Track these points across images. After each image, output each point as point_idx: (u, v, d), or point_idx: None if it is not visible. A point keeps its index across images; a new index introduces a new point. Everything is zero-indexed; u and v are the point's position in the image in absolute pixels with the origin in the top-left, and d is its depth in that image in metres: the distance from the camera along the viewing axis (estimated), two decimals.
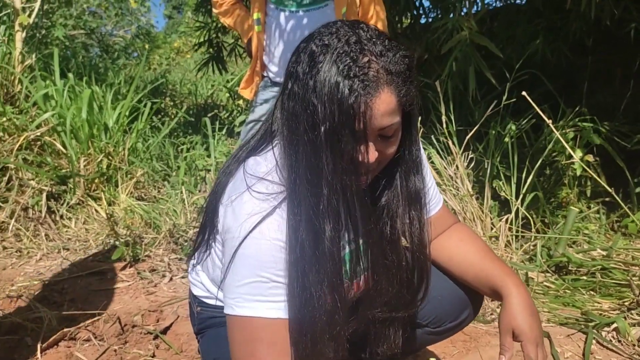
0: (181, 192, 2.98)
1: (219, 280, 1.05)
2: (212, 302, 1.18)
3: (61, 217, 2.96)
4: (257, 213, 0.93)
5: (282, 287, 0.93)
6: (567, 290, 2.15)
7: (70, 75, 3.83)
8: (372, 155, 0.90)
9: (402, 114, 0.92)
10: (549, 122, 1.91)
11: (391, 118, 0.88)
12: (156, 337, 1.89)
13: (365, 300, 1.11)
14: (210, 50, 4.95)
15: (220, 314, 1.01)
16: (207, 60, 4.91)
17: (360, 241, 1.04)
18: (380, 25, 2.33)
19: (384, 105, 0.86)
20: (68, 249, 2.70)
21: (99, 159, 3.19)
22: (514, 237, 2.41)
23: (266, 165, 0.99)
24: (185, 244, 2.69)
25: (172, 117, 4.95)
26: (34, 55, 3.93)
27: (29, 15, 4.01)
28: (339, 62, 0.84)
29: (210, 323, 1.20)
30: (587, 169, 2.31)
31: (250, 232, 0.92)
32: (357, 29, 0.89)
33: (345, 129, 0.85)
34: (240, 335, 0.94)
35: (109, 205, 3.06)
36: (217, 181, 1.08)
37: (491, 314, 1.98)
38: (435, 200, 1.22)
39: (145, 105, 3.89)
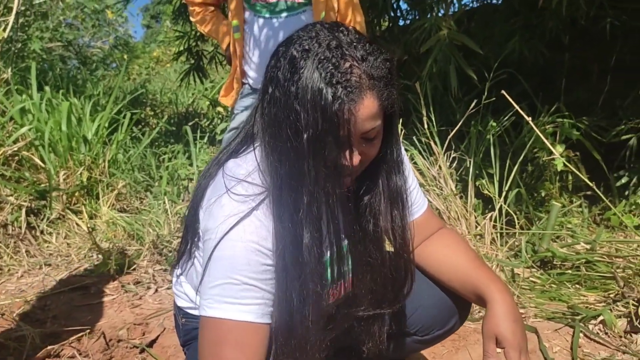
0: (164, 202, 2.95)
1: None
2: (196, 312, 1.16)
3: (42, 232, 2.91)
4: (234, 215, 0.92)
5: (256, 290, 0.92)
6: (552, 285, 2.16)
7: (47, 88, 3.78)
8: (356, 158, 0.91)
9: (384, 116, 0.92)
10: (529, 119, 1.92)
11: (374, 122, 0.89)
12: (142, 350, 1.86)
13: (349, 299, 1.11)
14: (191, 59, 4.92)
15: None
16: (188, 71, 4.88)
17: (344, 243, 1.03)
18: (358, 27, 2.33)
19: (366, 110, 0.86)
20: (50, 265, 2.65)
21: (79, 172, 3.15)
22: (498, 234, 2.42)
23: (246, 167, 0.98)
24: (170, 254, 2.66)
25: (153, 127, 4.91)
26: (9, 70, 3.87)
27: (4, 30, 3.95)
28: (320, 69, 0.83)
29: (195, 334, 1.18)
30: (568, 165, 2.33)
31: (226, 234, 0.91)
32: (337, 32, 0.88)
33: (328, 135, 0.85)
34: (209, 336, 0.94)
35: (91, 218, 3.02)
36: (197, 185, 1.07)
37: (479, 312, 1.98)
38: (419, 203, 1.22)
39: (124, 116, 3.85)
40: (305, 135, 0.84)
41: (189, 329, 1.22)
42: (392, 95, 0.90)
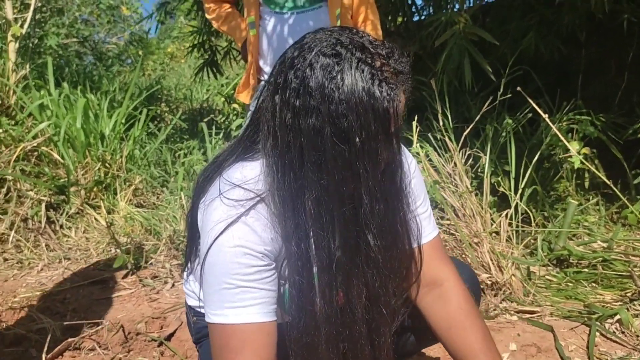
0: (180, 198, 2.98)
1: None
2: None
3: (61, 226, 2.96)
4: (223, 220, 0.92)
5: (253, 290, 0.93)
6: (569, 283, 2.15)
7: (65, 84, 3.83)
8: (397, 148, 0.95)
9: None
10: (545, 116, 1.91)
11: (403, 114, 0.91)
12: (160, 344, 1.89)
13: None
14: (204, 54, 4.94)
15: None
16: (202, 66, 4.90)
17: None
18: (371, 26, 2.33)
19: (402, 105, 0.89)
20: (69, 259, 2.69)
21: (97, 168, 3.19)
22: (514, 232, 2.41)
23: (245, 173, 0.98)
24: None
25: (169, 122, 4.95)
26: (27, 66, 3.92)
27: (21, 26, 4.00)
28: (360, 70, 0.84)
29: (206, 332, 1.19)
30: (585, 162, 2.31)
31: (215, 239, 0.91)
32: (352, 34, 0.89)
33: (380, 134, 0.86)
34: (216, 342, 0.96)
35: (109, 213, 3.06)
36: (195, 185, 1.07)
37: (494, 310, 1.98)
38: (429, 227, 1.17)
39: (141, 112, 3.88)
40: (357, 138, 0.84)
41: (200, 327, 1.24)
42: (411, 88, 0.92)
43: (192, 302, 1.24)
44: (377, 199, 0.91)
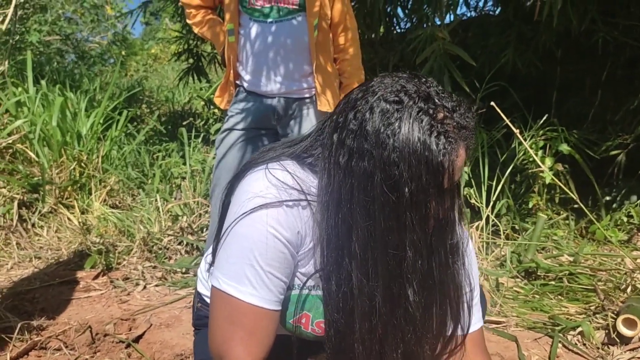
0: (156, 200, 2.97)
1: None
2: None
3: (33, 225, 2.92)
4: (263, 196, 0.91)
5: (272, 277, 0.92)
6: (535, 295, 2.20)
7: (43, 82, 3.80)
8: (449, 206, 0.91)
9: None
10: (517, 132, 1.96)
11: (461, 171, 0.90)
12: (128, 345, 1.88)
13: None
14: (190, 60, 4.93)
15: None
16: (187, 71, 4.89)
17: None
18: (351, 35, 2.35)
19: (460, 160, 0.87)
20: (40, 258, 2.66)
21: (72, 167, 3.16)
22: (484, 243, 2.45)
23: (295, 172, 0.97)
24: (160, 251, 2.68)
25: (149, 124, 4.92)
26: (6, 62, 3.88)
27: (2, 22, 3.96)
28: (419, 120, 0.83)
29: (206, 322, 1.20)
30: (555, 179, 2.37)
31: (251, 212, 0.91)
32: (421, 83, 0.88)
33: (431, 187, 0.84)
34: (222, 312, 0.94)
35: (82, 213, 3.03)
36: (238, 174, 1.04)
37: None
38: (474, 318, 1.10)
39: (120, 113, 3.86)
40: (406, 189, 0.83)
41: (202, 315, 1.23)
42: (474, 144, 0.91)
43: (201, 289, 1.23)
44: (421, 254, 0.89)
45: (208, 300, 1.20)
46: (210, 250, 1.18)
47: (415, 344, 0.97)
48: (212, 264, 1.14)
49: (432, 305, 0.97)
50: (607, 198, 3.22)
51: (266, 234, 0.91)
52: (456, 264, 0.99)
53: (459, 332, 1.02)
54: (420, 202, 0.85)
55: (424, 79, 0.90)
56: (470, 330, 1.07)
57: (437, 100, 0.85)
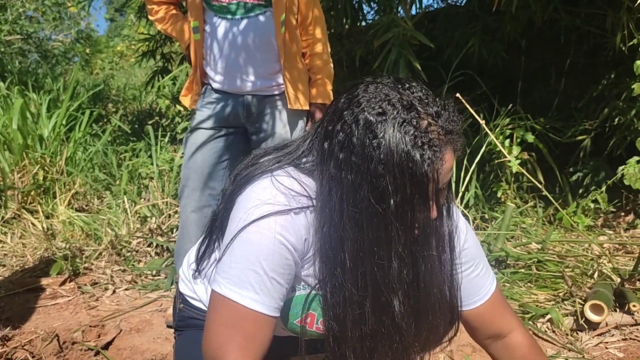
0: (123, 202, 2.92)
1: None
2: (196, 303, 1.17)
3: None
4: (271, 204, 0.92)
5: (275, 283, 0.93)
6: (506, 284, 2.22)
7: (1, 84, 3.68)
8: (435, 211, 0.91)
9: None
10: (482, 122, 1.97)
11: (450, 173, 0.91)
12: (97, 353, 1.84)
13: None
14: (157, 61, 4.82)
15: (201, 317, 1.00)
16: (153, 75, 4.78)
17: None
18: (319, 30, 2.33)
19: (447, 164, 0.87)
20: (4, 265, 2.59)
21: (35, 171, 3.08)
22: None
23: (300, 178, 0.97)
24: (129, 254, 2.63)
25: (114, 124, 4.83)
26: None
27: None
28: (402, 131, 0.83)
29: (189, 323, 1.19)
30: (521, 169, 2.40)
31: (258, 219, 0.91)
32: (404, 89, 0.88)
33: (416, 197, 0.85)
34: (222, 316, 0.94)
35: (47, 218, 2.96)
36: (234, 183, 1.04)
37: None
38: (479, 292, 1.12)
39: (83, 113, 3.78)
40: (392, 200, 0.84)
41: (185, 316, 1.21)
42: (463, 145, 0.91)
43: (184, 290, 1.21)
44: (405, 263, 0.90)
45: (191, 302, 1.19)
46: (194, 255, 1.17)
47: (403, 353, 0.99)
48: (197, 269, 1.15)
49: (421, 314, 0.99)
50: (574, 178, 3.28)
51: (273, 241, 0.91)
52: (444, 267, 1.00)
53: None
54: (405, 212, 0.86)
55: (407, 85, 0.89)
56: (483, 300, 1.10)
57: (420, 108, 0.86)
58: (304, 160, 1.01)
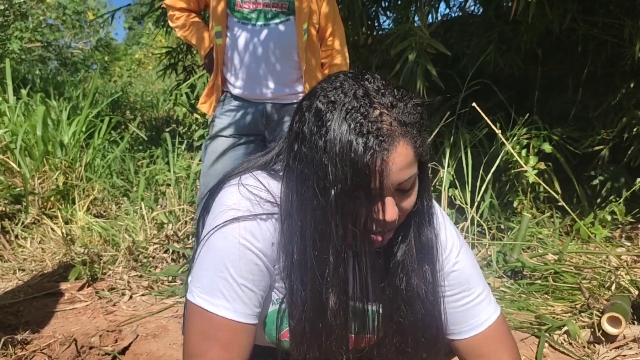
0: (140, 208, 2.95)
1: None
2: None
3: (16, 237, 2.89)
4: (236, 209, 0.91)
5: (246, 290, 0.92)
6: (522, 295, 2.21)
7: (23, 91, 3.75)
8: (393, 211, 0.85)
9: (418, 164, 0.87)
10: (499, 132, 1.97)
11: (409, 171, 0.83)
12: (114, 357, 1.86)
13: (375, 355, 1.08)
14: (179, 74, 4.86)
15: None
16: (176, 86, 4.83)
17: (372, 307, 1.00)
18: (338, 42, 2.35)
19: (400, 158, 0.81)
20: (23, 270, 2.63)
21: (55, 177, 3.13)
22: (470, 244, 2.46)
23: (268, 182, 0.97)
24: (145, 260, 2.65)
25: (132, 131, 4.89)
26: None
27: None
28: (349, 119, 0.78)
29: None
30: (537, 179, 2.38)
31: (224, 225, 0.90)
32: (362, 80, 0.84)
33: (359, 190, 0.80)
34: (197, 326, 0.93)
35: (66, 223, 3.00)
36: (212, 190, 1.05)
37: None
38: (478, 318, 1.05)
39: (102, 120, 3.83)
40: (332, 191, 0.80)
41: None
42: (425, 142, 0.86)
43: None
44: (342, 260, 0.86)
45: None
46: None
47: (338, 347, 0.96)
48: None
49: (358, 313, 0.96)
50: (594, 183, 3.25)
51: (238, 246, 0.90)
52: (411, 273, 0.96)
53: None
54: (345, 205, 0.81)
55: (367, 75, 0.85)
56: (476, 332, 1.04)
57: (374, 97, 0.81)
58: (274, 163, 1.00)
